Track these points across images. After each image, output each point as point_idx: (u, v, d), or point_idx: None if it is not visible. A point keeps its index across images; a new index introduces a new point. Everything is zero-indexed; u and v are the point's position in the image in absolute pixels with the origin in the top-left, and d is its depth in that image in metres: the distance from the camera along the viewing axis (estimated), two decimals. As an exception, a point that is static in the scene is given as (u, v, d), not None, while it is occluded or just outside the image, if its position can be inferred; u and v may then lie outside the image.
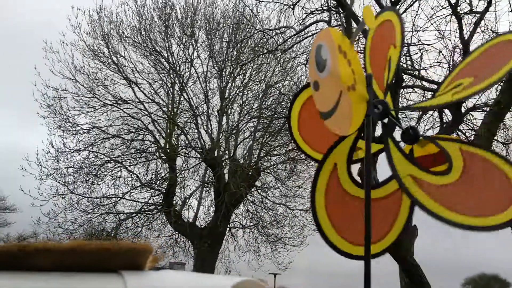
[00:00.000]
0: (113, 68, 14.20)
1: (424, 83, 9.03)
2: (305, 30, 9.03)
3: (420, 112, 6.90)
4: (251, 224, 15.67)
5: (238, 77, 14.73)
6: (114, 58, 14.15)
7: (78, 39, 14.00)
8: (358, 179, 2.99)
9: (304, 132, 3.26)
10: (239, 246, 15.89)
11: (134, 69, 14.36)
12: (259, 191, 15.34)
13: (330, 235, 2.80)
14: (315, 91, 2.66)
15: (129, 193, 14.62)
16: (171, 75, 14.73)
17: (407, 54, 9.19)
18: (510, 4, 6.90)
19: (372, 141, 2.79)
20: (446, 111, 9.20)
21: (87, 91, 14.18)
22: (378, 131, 2.98)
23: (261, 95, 14.72)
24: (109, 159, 14.54)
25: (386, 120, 2.79)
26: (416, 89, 9.33)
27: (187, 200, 15.18)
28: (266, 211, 15.36)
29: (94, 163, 14.50)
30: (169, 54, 14.42)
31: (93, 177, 14.37)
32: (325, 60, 2.61)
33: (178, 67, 14.61)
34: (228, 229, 15.38)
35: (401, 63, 9.08)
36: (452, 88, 2.64)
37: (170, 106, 14.81)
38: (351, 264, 2.68)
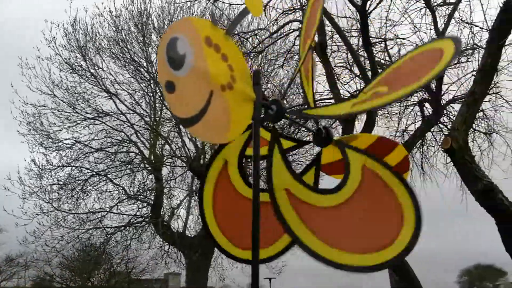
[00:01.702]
0: (92, 81, 14.03)
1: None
2: (279, 31, 8.91)
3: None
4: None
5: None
6: (93, 71, 13.99)
7: (54, 53, 13.81)
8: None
9: (226, 227, 2.59)
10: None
11: (114, 81, 14.22)
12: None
13: (216, 236, 2.51)
14: (168, 94, 2.16)
15: (116, 206, 14.43)
16: (152, 85, 14.56)
17: (384, 50, 9.11)
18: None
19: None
20: (427, 104, 9.13)
21: (67, 106, 14.01)
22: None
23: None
24: (94, 173, 14.35)
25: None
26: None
27: (175, 210, 15.02)
28: (257, 216, 15.19)
29: (79, 178, 14.31)
30: (148, 63, 14.26)
31: (78, 192, 14.17)
32: (183, 55, 2.13)
33: (158, 76, 14.42)
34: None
35: (378, 58, 9.01)
36: (366, 95, 2.24)
37: (152, 116, 14.64)
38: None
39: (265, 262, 2.40)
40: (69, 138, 14.11)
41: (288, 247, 2.45)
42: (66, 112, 13.99)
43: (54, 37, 13.75)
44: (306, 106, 2.51)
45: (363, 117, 8.20)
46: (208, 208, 2.53)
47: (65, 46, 13.93)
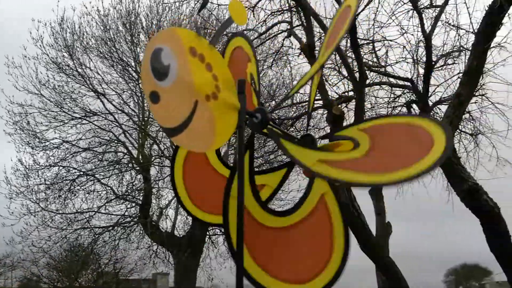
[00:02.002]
0: (79, 80, 13.95)
1: (391, 79, 9.00)
2: (268, 32, 8.92)
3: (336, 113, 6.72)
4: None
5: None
6: (80, 70, 13.91)
7: (41, 53, 13.71)
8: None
9: (194, 193, 2.76)
10: (220, 253, 15.72)
11: (102, 80, 14.15)
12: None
13: (185, 202, 2.65)
14: (153, 104, 2.16)
15: (104, 206, 14.35)
16: (140, 84, 14.49)
17: (372, 51, 9.16)
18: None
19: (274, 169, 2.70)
20: (414, 106, 9.21)
21: (54, 105, 13.93)
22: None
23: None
24: (81, 173, 14.27)
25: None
26: (383, 86, 9.30)
27: (164, 210, 14.98)
28: (245, 216, 15.20)
29: (66, 178, 14.22)
30: (136, 63, 14.20)
31: (66, 192, 14.08)
32: (167, 66, 2.15)
33: (146, 76, 14.36)
34: (208, 236, 15.20)
35: (366, 60, 9.06)
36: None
37: (140, 116, 14.59)
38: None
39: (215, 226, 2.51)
40: (56, 138, 14.06)
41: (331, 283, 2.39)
42: (53, 111, 13.93)
43: (41, 36, 13.67)
44: (283, 134, 2.60)
45: (351, 117, 8.25)
46: (178, 169, 2.66)
47: (52, 45, 13.85)
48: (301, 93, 9.50)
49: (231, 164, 2.74)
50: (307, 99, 8.99)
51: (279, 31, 8.76)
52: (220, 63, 2.38)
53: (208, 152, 2.73)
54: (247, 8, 8.82)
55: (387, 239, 10.19)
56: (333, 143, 2.45)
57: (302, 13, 7.94)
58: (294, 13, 8.36)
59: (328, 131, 8.56)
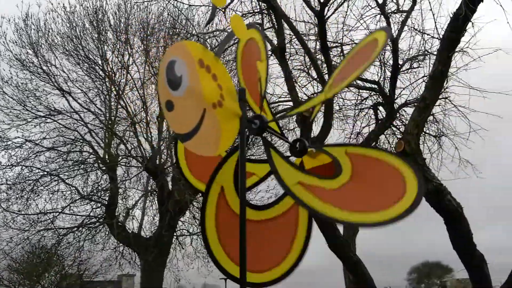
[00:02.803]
0: (44, 78, 13.62)
1: (358, 82, 9.19)
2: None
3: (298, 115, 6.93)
4: (198, 230, 15.43)
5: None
6: (45, 68, 13.58)
7: (4, 49, 13.32)
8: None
9: (193, 165, 3.05)
10: (187, 254, 15.66)
11: (67, 78, 13.85)
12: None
13: (221, 260, 2.66)
14: (168, 112, 2.35)
15: (68, 207, 14.06)
16: (107, 83, 14.28)
17: (341, 54, 9.33)
18: (430, 3, 7.15)
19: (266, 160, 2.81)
20: (381, 108, 9.43)
21: (17, 103, 13.56)
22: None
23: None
24: (45, 173, 13.94)
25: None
26: (351, 88, 9.49)
27: (130, 211, 14.79)
28: (213, 216, 15.15)
29: (29, 178, 13.85)
30: (103, 61, 13.98)
31: (29, 192, 13.72)
32: (180, 77, 2.34)
33: (113, 74, 14.18)
34: (174, 237, 15.11)
35: (334, 62, 9.23)
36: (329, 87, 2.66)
37: (107, 115, 14.36)
38: (308, 260, 2.62)
39: (259, 287, 2.56)
40: (19, 137, 13.70)
41: (284, 277, 2.57)
42: (16, 109, 13.58)
43: (4, 32, 13.31)
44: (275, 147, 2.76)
45: (320, 120, 8.38)
46: (211, 232, 2.70)
47: (16, 42, 13.49)
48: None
49: None
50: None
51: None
52: (224, 73, 2.58)
53: (230, 200, 2.85)
54: (218, 10, 8.86)
55: (354, 238, 10.37)
56: (316, 152, 2.65)
57: (273, 16, 8.03)
58: (265, 15, 8.44)
59: (298, 132, 8.67)
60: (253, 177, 2.90)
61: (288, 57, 8.61)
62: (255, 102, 2.73)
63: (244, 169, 2.47)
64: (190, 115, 2.37)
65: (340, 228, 7.82)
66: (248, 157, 2.71)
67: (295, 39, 8.40)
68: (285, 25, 8.01)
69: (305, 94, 9.44)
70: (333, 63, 8.64)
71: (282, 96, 9.52)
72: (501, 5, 5.71)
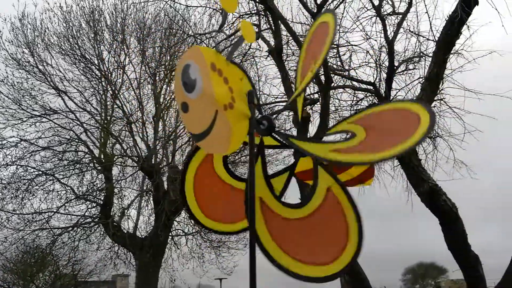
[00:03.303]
0: (40, 77, 13.60)
1: (354, 83, 9.24)
2: (236, 34, 8.98)
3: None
4: (193, 230, 15.45)
5: (172, 81, 14.49)
6: (41, 67, 13.56)
7: (0, 48, 13.28)
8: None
9: (204, 205, 3.07)
10: (183, 254, 15.68)
11: (63, 78, 13.83)
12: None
13: (194, 211, 2.88)
14: (184, 113, 2.53)
15: (63, 206, 14.02)
16: (103, 83, 14.28)
17: (337, 55, 9.38)
18: (425, 6, 7.21)
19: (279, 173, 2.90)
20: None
21: (12, 102, 13.52)
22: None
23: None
24: (40, 172, 13.90)
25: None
26: (346, 89, 9.54)
27: (126, 211, 14.77)
28: (208, 217, 15.15)
29: (24, 177, 13.81)
30: (99, 61, 13.97)
31: (23, 192, 13.68)
32: (194, 80, 2.47)
33: (109, 74, 14.17)
34: (170, 237, 15.11)
35: (331, 64, 9.28)
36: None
37: (103, 115, 14.35)
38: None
39: (324, 281, 2.55)
40: (14, 136, 13.64)
41: (348, 266, 2.58)
42: (11, 109, 13.55)
43: (0, 31, 13.27)
44: (292, 134, 2.85)
45: (317, 120, 8.42)
46: (189, 184, 2.89)
47: (11, 41, 13.46)
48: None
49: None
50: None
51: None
52: (234, 76, 2.69)
53: (216, 164, 3.03)
54: (215, 10, 8.90)
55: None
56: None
57: (270, 17, 8.07)
58: (262, 16, 8.47)
59: (294, 132, 8.70)
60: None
61: (285, 58, 8.65)
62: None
63: (253, 167, 2.56)
64: (203, 116, 2.49)
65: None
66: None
67: (292, 40, 8.44)
68: (282, 26, 8.05)
69: (301, 95, 9.47)
70: (329, 64, 8.70)
71: (278, 97, 9.55)
72: (496, 9, 5.77)
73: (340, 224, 2.51)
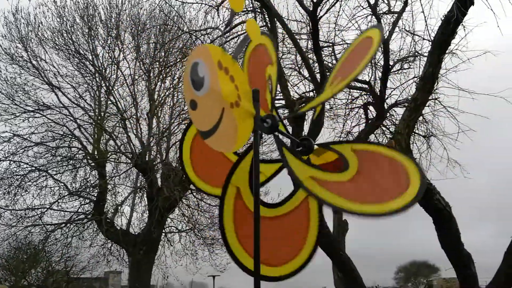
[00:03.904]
0: (33, 73, 13.54)
1: (349, 81, 9.23)
2: (232, 31, 8.96)
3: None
4: (187, 228, 15.45)
5: (167, 78, 14.46)
6: (34, 62, 13.50)
7: (-7, 43, 13.18)
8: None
9: (199, 169, 3.21)
10: (176, 251, 15.67)
11: (57, 73, 13.77)
12: (194, 194, 15.12)
13: (240, 258, 2.80)
14: (192, 111, 2.54)
15: (56, 203, 13.97)
16: (97, 78, 14.21)
17: (332, 54, 9.39)
18: (421, 5, 7.22)
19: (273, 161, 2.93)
20: (371, 107, 9.51)
21: (5, 97, 13.46)
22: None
23: (191, 96, 14.45)
24: (33, 168, 13.84)
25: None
26: (341, 87, 9.53)
27: (119, 207, 14.73)
28: (202, 214, 15.18)
29: (17, 173, 13.75)
30: (93, 56, 13.90)
31: (16, 188, 13.61)
32: (202, 78, 2.50)
33: (103, 70, 14.11)
34: (163, 234, 15.09)
35: (326, 62, 9.27)
36: (330, 85, 2.82)
37: (96, 111, 14.29)
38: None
39: (277, 280, 2.70)
40: (6, 131, 13.60)
41: (300, 270, 2.71)
42: (4, 104, 13.52)
43: (-7, 25, 13.16)
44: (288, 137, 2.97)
45: (310, 117, 8.43)
46: (230, 232, 2.87)
47: (5, 36, 13.37)
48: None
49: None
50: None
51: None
52: (240, 75, 2.71)
53: (246, 199, 3.01)
54: (211, 7, 8.87)
55: (344, 236, 10.47)
56: (322, 150, 2.78)
57: (266, 14, 8.05)
58: (258, 14, 8.45)
59: (290, 129, 8.71)
60: (260, 175, 2.98)
61: (280, 56, 8.65)
62: (262, 105, 2.82)
63: (258, 165, 2.57)
64: (211, 114, 2.51)
65: (330, 226, 7.91)
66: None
67: (287, 38, 8.43)
68: (278, 24, 8.04)
69: (296, 92, 9.48)
70: (324, 62, 8.70)
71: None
72: (491, 9, 5.79)
73: (302, 232, 2.69)
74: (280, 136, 2.84)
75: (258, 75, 2.92)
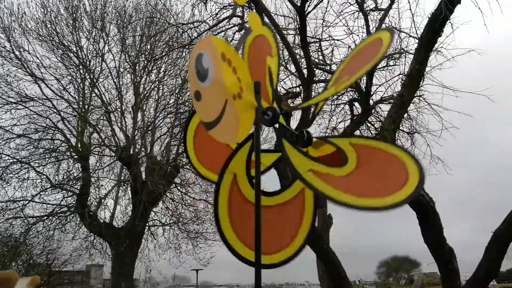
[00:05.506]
0: (16, 63, 13.32)
1: (336, 77, 9.29)
2: (219, 25, 8.93)
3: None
4: (171, 221, 15.42)
5: (152, 71, 14.36)
6: (17, 53, 13.29)
7: (-25, 32, 12.94)
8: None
9: (201, 155, 3.25)
10: (159, 244, 15.64)
11: (40, 64, 13.58)
12: (179, 187, 15.10)
13: (233, 244, 2.81)
14: (196, 102, 2.57)
15: (38, 195, 13.82)
16: (81, 70, 14.05)
17: (319, 50, 9.43)
18: (408, 2, 7.31)
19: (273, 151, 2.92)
20: (356, 104, 9.57)
21: (-13, 88, 13.18)
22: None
23: (177, 90, 14.45)
24: (15, 160, 13.66)
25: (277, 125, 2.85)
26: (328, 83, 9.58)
27: (103, 200, 14.64)
28: (186, 208, 15.18)
29: (-2, 165, 13.53)
30: (78, 48, 13.74)
31: (-3, 180, 13.42)
32: (206, 69, 2.52)
33: (88, 62, 13.95)
34: (147, 227, 15.04)
35: (313, 58, 9.31)
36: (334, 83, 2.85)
37: (80, 103, 14.14)
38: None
39: (267, 268, 2.71)
40: (-12, 123, 13.34)
41: (291, 258, 2.76)
42: (-15, 95, 13.22)
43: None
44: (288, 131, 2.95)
45: (298, 113, 8.46)
46: (223, 217, 2.84)
47: (-13, 25, 13.11)
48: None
49: None
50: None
51: (231, 25, 8.81)
52: (242, 67, 2.71)
53: (243, 187, 3.02)
54: (199, 1, 8.83)
55: (328, 231, 10.54)
56: (321, 142, 2.82)
57: (254, 9, 8.04)
58: (246, 8, 8.43)
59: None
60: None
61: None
62: (263, 96, 2.84)
63: (259, 156, 2.59)
64: (214, 105, 2.53)
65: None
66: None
67: (275, 33, 8.43)
68: (266, 19, 8.03)
69: (283, 88, 9.51)
70: (311, 58, 8.73)
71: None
72: (479, 8, 5.87)
73: (295, 222, 2.74)
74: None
75: (257, 66, 2.93)
